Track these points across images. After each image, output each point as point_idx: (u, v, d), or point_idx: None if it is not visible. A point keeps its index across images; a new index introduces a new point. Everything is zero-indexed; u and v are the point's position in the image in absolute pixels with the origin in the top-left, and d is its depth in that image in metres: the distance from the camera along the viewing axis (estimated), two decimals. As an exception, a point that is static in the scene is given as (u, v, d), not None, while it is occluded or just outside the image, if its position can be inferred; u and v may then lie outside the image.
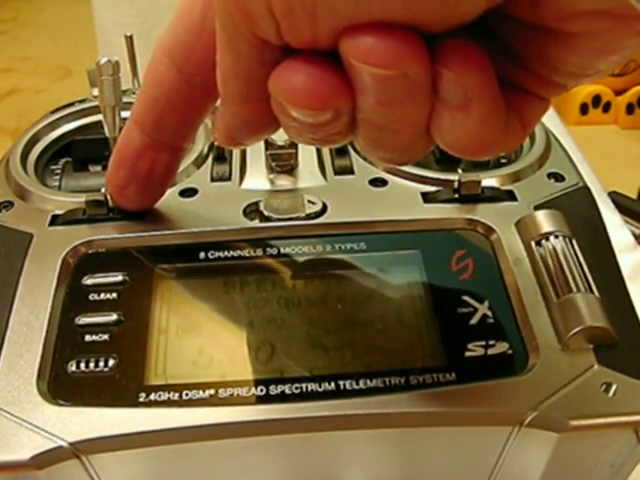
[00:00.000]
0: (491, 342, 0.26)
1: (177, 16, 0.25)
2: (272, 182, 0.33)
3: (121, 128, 0.31)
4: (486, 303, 0.27)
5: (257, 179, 0.33)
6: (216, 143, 0.34)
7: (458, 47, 0.18)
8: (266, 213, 0.31)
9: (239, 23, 0.18)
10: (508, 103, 0.20)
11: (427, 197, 0.32)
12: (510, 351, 0.26)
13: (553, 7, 0.17)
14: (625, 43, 0.18)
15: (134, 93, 0.39)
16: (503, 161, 0.35)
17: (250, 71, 0.20)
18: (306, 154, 0.34)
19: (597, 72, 0.19)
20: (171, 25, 0.25)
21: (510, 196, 0.32)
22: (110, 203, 0.30)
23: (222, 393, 0.25)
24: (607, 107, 1.67)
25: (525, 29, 0.19)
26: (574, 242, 0.29)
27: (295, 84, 0.18)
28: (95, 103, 0.37)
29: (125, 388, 0.25)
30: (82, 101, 0.39)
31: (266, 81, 0.19)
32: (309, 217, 0.31)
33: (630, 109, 1.66)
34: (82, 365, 0.25)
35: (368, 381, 0.25)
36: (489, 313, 0.27)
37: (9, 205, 0.32)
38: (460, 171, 0.33)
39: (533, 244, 0.29)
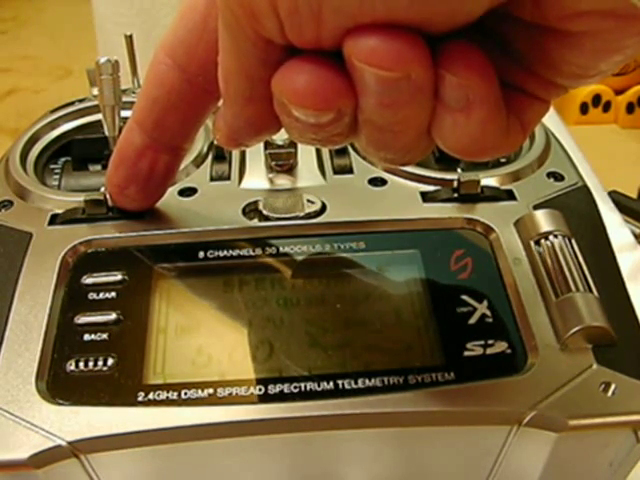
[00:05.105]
0: (490, 341, 0.26)
1: (180, 15, 0.25)
2: (271, 181, 0.33)
3: (121, 127, 0.31)
4: (485, 302, 0.27)
5: (256, 178, 0.33)
6: (216, 143, 0.34)
7: (460, 50, 0.18)
8: (265, 212, 0.31)
9: (242, 22, 0.18)
10: (508, 105, 0.20)
11: (426, 196, 0.32)
12: (509, 350, 0.26)
13: (555, 6, 0.17)
14: (627, 42, 0.18)
15: (134, 92, 0.39)
16: (502, 160, 0.35)
17: (252, 71, 0.20)
18: (305, 153, 0.34)
19: (599, 73, 0.19)
20: (173, 24, 0.25)
21: (509, 195, 0.32)
22: (109, 202, 0.30)
23: (221, 392, 0.25)
24: (607, 106, 1.67)
25: (527, 29, 0.19)
26: (573, 241, 0.29)
27: (298, 84, 0.18)
28: (95, 102, 0.37)
29: (124, 387, 0.25)
30: (82, 100, 0.39)
31: (268, 81, 0.19)
32: (308, 216, 0.31)
33: (630, 108, 1.66)
34: (81, 364, 0.25)
35: (367, 380, 0.25)
36: (488, 312, 0.27)
37: (8, 204, 0.32)
38: (459, 170, 0.33)
39: (532, 243, 0.29)
